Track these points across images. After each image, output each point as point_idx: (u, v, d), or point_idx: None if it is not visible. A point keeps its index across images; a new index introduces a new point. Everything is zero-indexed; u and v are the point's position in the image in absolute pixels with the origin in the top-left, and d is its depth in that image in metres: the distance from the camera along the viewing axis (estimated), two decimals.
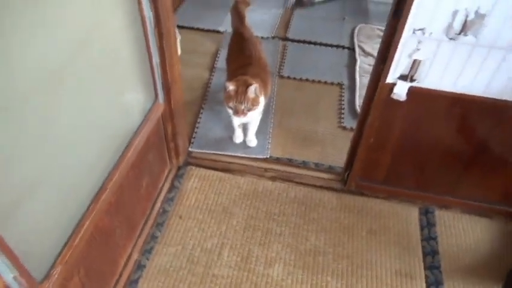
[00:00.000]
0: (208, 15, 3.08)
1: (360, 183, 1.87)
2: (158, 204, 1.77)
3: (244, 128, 2.08)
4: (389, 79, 1.46)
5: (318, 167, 2.00)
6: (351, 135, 2.12)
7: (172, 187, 1.87)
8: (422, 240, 1.72)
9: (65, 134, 1.06)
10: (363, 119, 1.66)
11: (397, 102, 1.50)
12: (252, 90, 1.75)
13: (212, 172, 1.96)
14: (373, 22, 3.08)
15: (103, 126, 1.26)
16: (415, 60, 1.39)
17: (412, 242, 1.72)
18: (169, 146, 1.81)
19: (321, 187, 1.92)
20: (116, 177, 1.31)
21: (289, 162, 2.02)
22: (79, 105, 1.10)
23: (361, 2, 3.40)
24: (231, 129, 2.10)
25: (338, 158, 2.02)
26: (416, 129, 1.61)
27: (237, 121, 2.00)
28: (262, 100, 1.86)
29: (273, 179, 1.95)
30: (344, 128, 2.22)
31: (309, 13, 3.20)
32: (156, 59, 1.47)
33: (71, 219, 1.13)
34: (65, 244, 1.07)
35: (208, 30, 2.94)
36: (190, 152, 2.04)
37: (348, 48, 2.83)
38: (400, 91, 1.46)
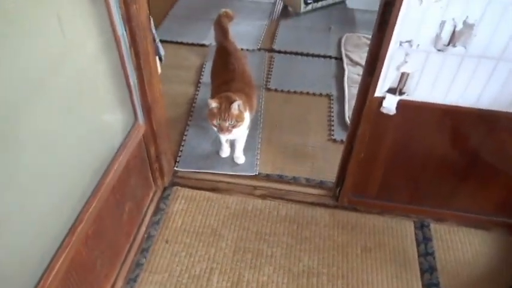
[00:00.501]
0: (192, 29, 3.03)
1: (352, 198, 1.81)
2: (143, 229, 1.69)
3: (232, 144, 2.02)
4: (378, 93, 1.41)
5: (309, 183, 1.94)
6: (341, 148, 2.06)
7: (157, 210, 1.79)
8: (419, 256, 1.66)
9: (35, 163, 0.99)
10: (352, 133, 1.61)
11: (387, 115, 1.45)
12: (236, 106, 1.68)
13: (199, 192, 1.88)
14: (359, 31, 3.05)
15: (78, 151, 1.19)
16: (403, 73, 1.34)
17: (409, 259, 1.65)
18: (153, 167, 1.73)
19: (312, 204, 1.85)
20: (94, 204, 1.23)
21: (279, 178, 1.96)
22: (50, 130, 1.03)
23: (347, 11, 3.38)
24: (218, 145, 2.04)
25: (330, 172, 1.96)
26: (408, 142, 1.56)
27: (223, 137, 1.94)
28: (247, 116, 1.80)
29: (263, 197, 1.88)
30: (334, 140, 2.17)
31: (294, 23, 3.16)
32: (133, 79, 1.40)
33: (42, 256, 1.05)
34: (35, 286, 0.99)
35: (192, 44, 2.88)
36: (176, 172, 1.97)
37: (336, 58, 2.79)
38: (390, 105, 1.41)
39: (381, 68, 1.34)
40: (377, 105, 1.44)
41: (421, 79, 1.34)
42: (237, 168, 1.99)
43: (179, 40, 2.91)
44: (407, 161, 1.62)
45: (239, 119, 1.72)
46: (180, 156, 2.04)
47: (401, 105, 1.41)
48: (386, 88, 1.39)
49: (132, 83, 1.40)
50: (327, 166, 2.02)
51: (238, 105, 1.69)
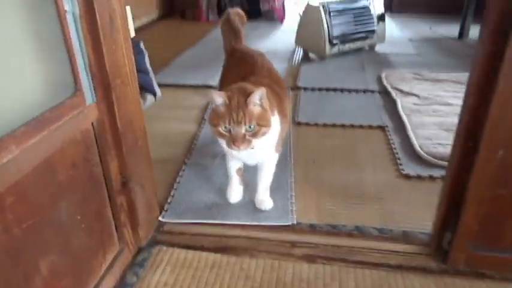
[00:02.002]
0: (198, 72, 2.50)
1: (474, 253, 1.00)
2: None
3: (246, 174, 1.28)
4: None
5: (383, 234, 1.15)
6: (418, 185, 1.41)
7: (121, 286, 0.98)
8: None
9: None
10: (472, 118, 0.89)
11: None
12: (256, 100, 1.00)
13: (198, 254, 1.09)
14: (399, 70, 2.50)
15: None
16: None
17: None
18: (114, 202, 0.98)
19: (400, 267, 1.04)
20: None
21: (333, 229, 1.17)
22: None
23: (377, 54, 2.90)
24: (226, 185, 1.30)
25: (411, 218, 1.21)
26: None
27: (235, 164, 1.23)
28: (275, 121, 1.10)
29: (310, 259, 1.07)
30: (407, 176, 1.42)
31: (320, 66, 2.65)
32: (73, 8, 0.76)
33: None
34: None
35: (197, 86, 2.31)
36: (162, 224, 1.20)
37: (379, 92, 2.18)
38: None
39: None
40: None
41: None
42: (262, 216, 1.22)
43: (181, 83, 2.36)
44: None
45: (262, 121, 1.02)
46: (169, 203, 1.29)
47: None
48: None
49: (70, 14, 0.75)
50: (404, 210, 1.26)
51: (260, 98, 1.01)
